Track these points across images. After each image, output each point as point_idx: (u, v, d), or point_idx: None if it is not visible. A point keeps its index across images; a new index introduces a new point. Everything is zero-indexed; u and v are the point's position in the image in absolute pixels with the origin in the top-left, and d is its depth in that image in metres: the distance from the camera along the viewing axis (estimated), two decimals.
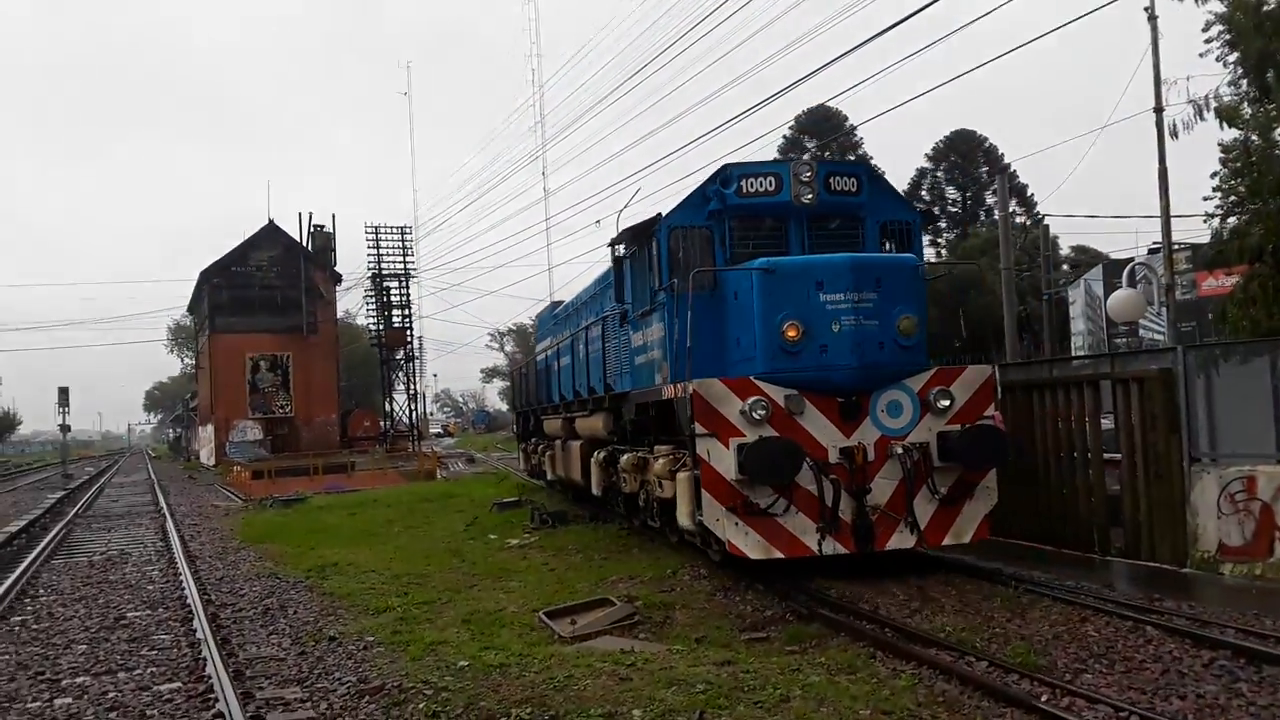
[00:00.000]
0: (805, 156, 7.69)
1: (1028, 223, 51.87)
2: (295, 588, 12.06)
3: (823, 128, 55.94)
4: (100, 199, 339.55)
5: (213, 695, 7.14)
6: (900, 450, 9.78)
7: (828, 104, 45.59)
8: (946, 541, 10.09)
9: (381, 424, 52.42)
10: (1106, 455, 11.88)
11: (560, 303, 19.07)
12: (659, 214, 11.35)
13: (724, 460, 9.57)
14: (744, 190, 10.72)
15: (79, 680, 7.87)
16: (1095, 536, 11.72)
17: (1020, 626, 8.42)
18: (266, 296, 50.56)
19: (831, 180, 10.94)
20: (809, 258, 10.37)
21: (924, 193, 61.81)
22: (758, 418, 9.52)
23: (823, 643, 8.34)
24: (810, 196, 10.70)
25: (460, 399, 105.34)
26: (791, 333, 9.74)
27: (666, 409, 10.85)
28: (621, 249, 12.59)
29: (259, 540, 17.39)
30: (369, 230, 49.85)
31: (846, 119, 55.32)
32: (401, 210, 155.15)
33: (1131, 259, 26.25)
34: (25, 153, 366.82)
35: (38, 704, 7.21)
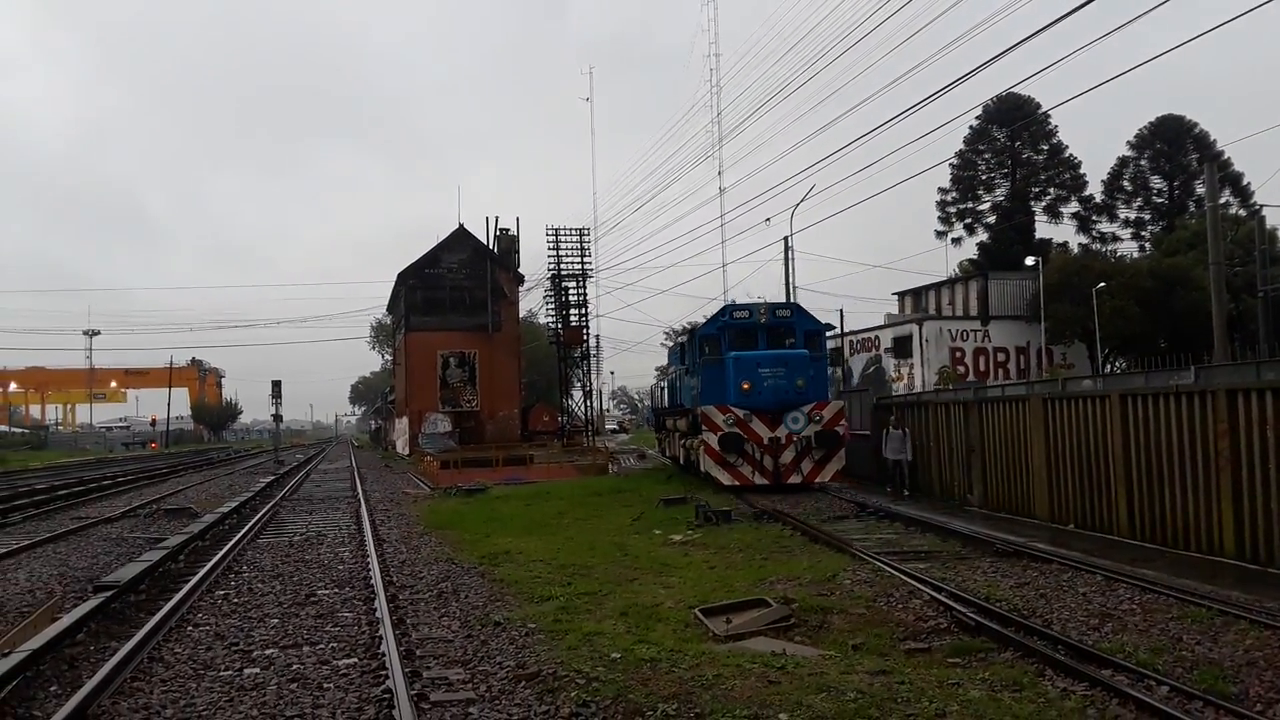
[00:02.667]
0: (763, 302, 23.28)
1: (1242, 214, 47.61)
2: (468, 573, 12.58)
3: (1012, 116, 53.34)
4: (296, 209, 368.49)
5: (384, 672, 7.56)
6: (797, 439, 20.39)
7: (1017, 91, 43.49)
8: (817, 480, 20.48)
9: (559, 419, 53.97)
10: None
11: (679, 343, 29.25)
12: (696, 326, 23.72)
13: (713, 441, 20.40)
14: (734, 317, 22.05)
15: (268, 652, 8.47)
16: None
17: (1210, 650, 7.76)
18: (456, 297, 53.08)
19: (777, 312, 22.21)
20: (756, 352, 21.17)
21: (1125, 183, 57.83)
22: (729, 423, 20.38)
23: (988, 657, 7.98)
24: (765, 320, 21.90)
25: (636, 396, 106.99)
26: (745, 386, 20.63)
27: (699, 417, 21.47)
28: (684, 339, 25.54)
29: (441, 527, 18.25)
30: (549, 233, 51.45)
31: (1038, 106, 52.61)
32: (581, 211, 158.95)
33: None
34: (224, 169, 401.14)
35: (229, 672, 7.82)
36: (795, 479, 20.22)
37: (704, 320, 23.33)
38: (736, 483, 20.09)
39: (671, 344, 34.11)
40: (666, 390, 31.37)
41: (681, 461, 25.70)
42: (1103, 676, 7.09)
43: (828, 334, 23.26)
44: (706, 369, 21.81)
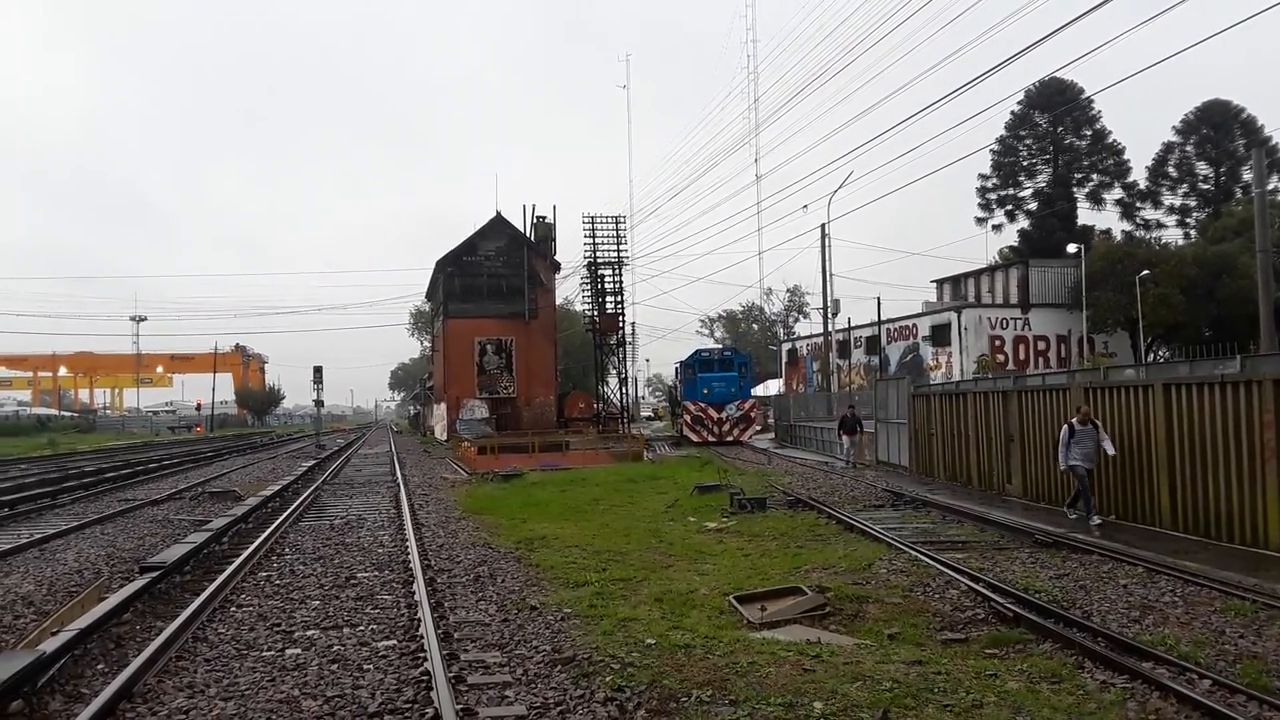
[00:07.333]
0: (718, 347, 42.66)
1: None
2: (505, 558, 12.69)
3: (1055, 101, 52.46)
4: (328, 198, 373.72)
5: (422, 654, 7.65)
6: (730, 418, 40.89)
7: (1060, 76, 42.75)
8: (743, 439, 40.59)
9: (595, 406, 54.10)
10: None
11: (676, 365, 49.39)
12: (683, 360, 45.85)
13: (689, 419, 41.69)
14: (701, 355, 44.03)
15: (309, 633, 8.61)
16: None
17: (1254, 644, 7.64)
18: (493, 284, 53.31)
19: (724, 352, 45.54)
20: (712, 374, 41.92)
21: (1170, 168, 56.68)
22: (697, 409, 41.32)
23: (1026, 648, 7.92)
24: (717, 356, 44.11)
25: (670, 383, 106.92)
26: (705, 391, 41.44)
27: (683, 407, 43.19)
28: (678, 364, 48.39)
29: (478, 512, 18.40)
30: (585, 220, 51.50)
31: (1081, 90, 51.70)
32: (618, 199, 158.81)
33: None
34: (243, 159, 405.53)
35: (271, 653, 7.95)
36: (729, 439, 39.67)
37: (690, 354, 43.76)
38: (699, 440, 39.67)
39: (676, 365, 51.74)
40: (678, 387, 49.73)
41: (677, 432, 44.90)
42: (1143, 669, 7.01)
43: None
44: (687, 381, 42.65)
